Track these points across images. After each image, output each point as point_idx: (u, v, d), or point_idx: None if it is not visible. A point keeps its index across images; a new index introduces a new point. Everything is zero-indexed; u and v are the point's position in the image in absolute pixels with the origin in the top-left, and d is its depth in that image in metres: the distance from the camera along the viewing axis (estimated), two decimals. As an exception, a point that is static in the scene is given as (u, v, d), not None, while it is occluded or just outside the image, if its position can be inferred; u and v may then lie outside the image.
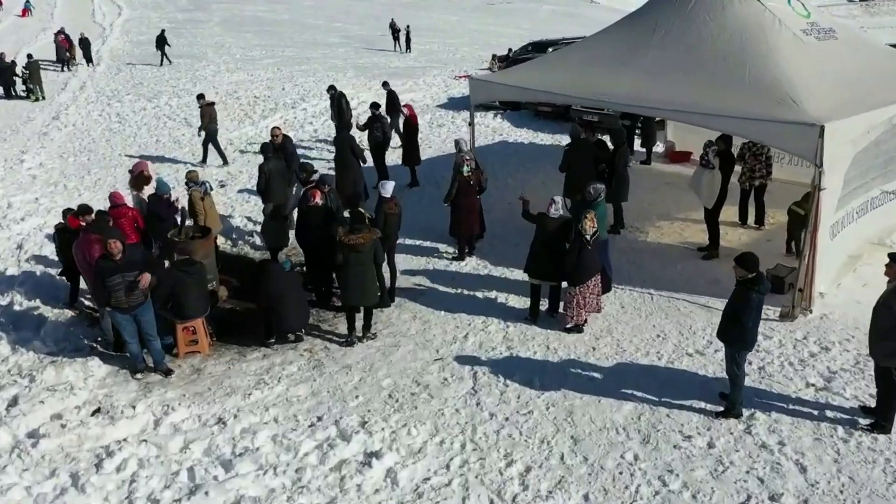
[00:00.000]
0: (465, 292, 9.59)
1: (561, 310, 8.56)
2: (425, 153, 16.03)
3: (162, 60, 30.39)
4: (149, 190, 10.53)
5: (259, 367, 8.01)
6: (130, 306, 7.55)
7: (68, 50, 29.68)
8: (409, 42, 35.96)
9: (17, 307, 9.41)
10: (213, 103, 16.01)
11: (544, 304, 8.84)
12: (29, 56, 24.26)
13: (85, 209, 9.20)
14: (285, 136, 12.07)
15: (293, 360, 8.13)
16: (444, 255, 10.80)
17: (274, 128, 12.39)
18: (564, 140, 17.50)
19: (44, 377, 7.68)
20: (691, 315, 8.77)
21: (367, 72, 28.72)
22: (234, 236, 11.85)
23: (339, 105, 15.92)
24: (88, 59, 29.92)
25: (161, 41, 30.24)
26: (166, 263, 8.35)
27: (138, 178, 10.70)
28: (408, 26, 36.23)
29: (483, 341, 8.35)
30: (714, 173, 9.96)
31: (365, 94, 23.44)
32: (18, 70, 24.32)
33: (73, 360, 8.03)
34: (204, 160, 16.08)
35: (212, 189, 10.51)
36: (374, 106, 13.83)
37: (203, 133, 15.71)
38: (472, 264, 10.44)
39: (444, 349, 8.22)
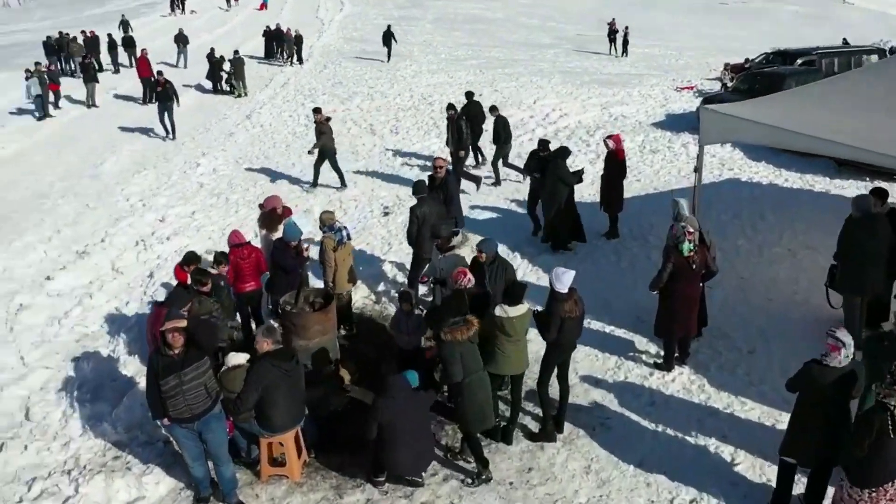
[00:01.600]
0: (670, 433, 6.52)
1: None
2: (631, 188, 12.93)
3: (389, 56, 29.88)
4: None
5: (355, 523, 5.66)
6: (193, 415, 5.51)
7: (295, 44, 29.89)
8: (626, 45, 32.36)
9: (112, 361, 7.93)
10: (329, 118, 13.93)
11: (797, 485, 5.58)
12: (235, 52, 24.31)
13: (191, 258, 7.45)
14: (448, 172, 9.55)
15: (403, 519, 5.67)
16: (643, 358, 7.75)
17: (437, 158, 9.96)
18: (818, 183, 13.52)
19: (88, 489, 5.91)
20: None
21: (576, 78, 25.75)
22: (380, 287, 9.67)
23: (457, 128, 13.10)
24: (299, 57, 29.92)
25: (388, 37, 29.73)
26: (241, 359, 6.17)
27: (269, 217, 8.87)
28: (626, 27, 32.62)
29: (692, 542, 5.32)
30: None
31: (569, 105, 20.61)
32: (226, 65, 24.47)
33: (130, 468, 6.20)
34: (314, 184, 13.97)
35: (349, 238, 8.37)
36: (542, 144, 10.83)
37: (316, 152, 13.59)
38: (682, 380, 7.31)
39: (627, 546, 5.32)
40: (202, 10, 47.79)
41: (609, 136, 10.96)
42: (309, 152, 13.86)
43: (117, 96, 24.01)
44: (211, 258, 9.30)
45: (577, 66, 29.04)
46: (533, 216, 10.97)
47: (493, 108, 14.35)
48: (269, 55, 30.52)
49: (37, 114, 20.96)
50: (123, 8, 50.00)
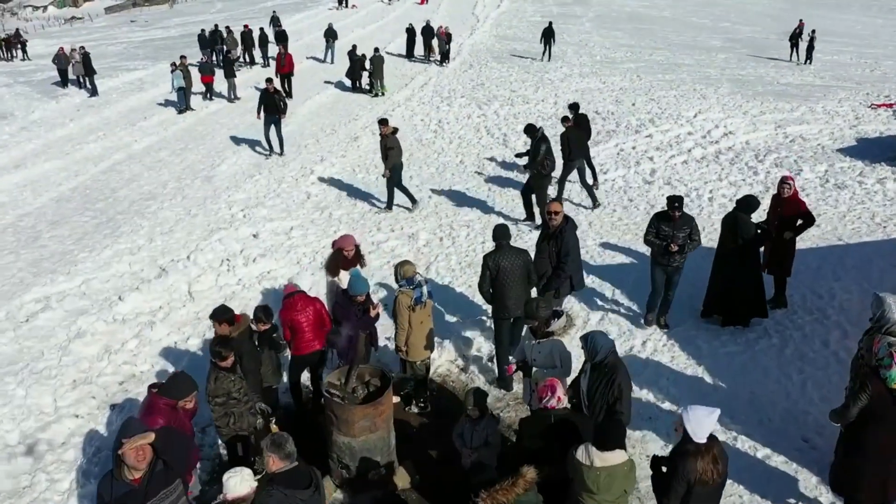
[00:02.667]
0: None
1: None
2: (807, 237, 10.27)
3: (545, 54, 28.34)
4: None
5: None
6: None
7: (447, 42, 28.73)
8: (810, 51, 28.19)
9: (144, 421, 6.81)
10: (396, 130, 12.32)
11: None
12: (375, 49, 23.44)
13: (222, 313, 6.09)
14: (567, 218, 7.48)
15: None
16: (810, 511, 5.51)
17: (553, 202, 7.82)
18: None
19: None
20: None
21: (747, 88, 22.55)
22: (472, 351, 7.93)
23: (536, 150, 11.34)
24: (446, 56, 28.65)
25: (548, 34, 28.18)
26: (244, 487, 4.58)
27: (334, 259, 7.39)
28: (813, 31, 28.47)
29: None
30: None
31: (736, 121, 17.75)
32: (367, 64, 23.67)
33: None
34: (389, 206, 12.54)
35: (430, 297, 6.72)
36: (674, 203, 7.82)
37: (388, 171, 12.10)
38: (868, 564, 5.03)
39: None
40: (364, 4, 47.93)
41: (787, 178, 8.45)
42: (383, 175, 12.43)
43: (259, 90, 23.85)
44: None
45: (751, 74, 25.63)
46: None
47: (566, 119, 12.77)
48: (410, 53, 29.50)
49: (179, 106, 21.18)
50: (292, 0, 51.61)
